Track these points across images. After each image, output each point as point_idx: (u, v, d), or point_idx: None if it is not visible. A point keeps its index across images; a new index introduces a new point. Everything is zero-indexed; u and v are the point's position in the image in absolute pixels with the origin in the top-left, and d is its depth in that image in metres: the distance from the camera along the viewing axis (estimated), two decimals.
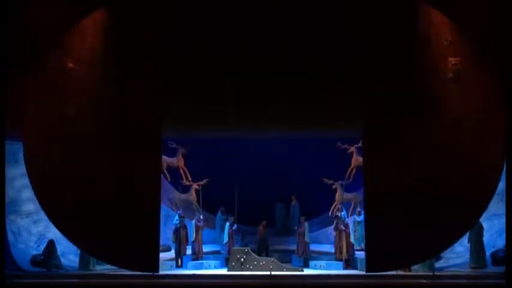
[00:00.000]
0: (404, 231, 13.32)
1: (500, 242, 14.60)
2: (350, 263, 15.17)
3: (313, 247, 16.42)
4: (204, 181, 17.57)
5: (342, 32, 14.09)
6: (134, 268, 13.61)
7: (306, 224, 15.84)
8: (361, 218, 17.07)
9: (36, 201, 14.06)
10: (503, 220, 12.95)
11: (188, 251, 15.81)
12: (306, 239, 15.55)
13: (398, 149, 13.72)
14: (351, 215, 17.47)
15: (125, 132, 13.84)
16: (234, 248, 15.53)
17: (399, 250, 13.32)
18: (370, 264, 13.62)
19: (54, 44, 13.84)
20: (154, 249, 13.69)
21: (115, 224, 13.47)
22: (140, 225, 13.51)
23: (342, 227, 15.38)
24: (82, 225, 13.57)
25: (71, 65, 13.85)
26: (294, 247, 15.95)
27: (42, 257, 14.71)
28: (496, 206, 14.66)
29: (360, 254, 15.89)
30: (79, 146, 13.70)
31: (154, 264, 13.61)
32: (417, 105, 13.77)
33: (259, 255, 15.43)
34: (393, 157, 13.68)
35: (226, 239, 15.98)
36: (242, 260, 14.73)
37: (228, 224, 16.09)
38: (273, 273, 13.98)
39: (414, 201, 13.41)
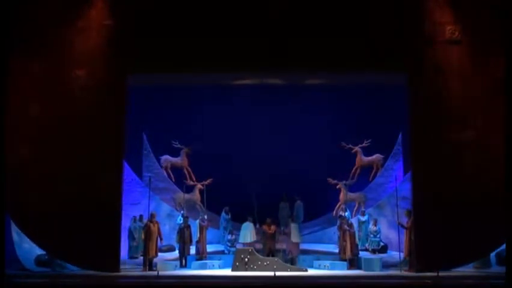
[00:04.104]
0: (452, 233, 13.35)
1: None
2: (354, 263, 15.11)
3: (317, 247, 16.41)
4: (208, 181, 17.61)
5: None
6: (95, 268, 13.64)
7: (293, 225, 15.81)
8: (365, 218, 17.06)
9: None
10: None
11: (192, 251, 15.80)
12: (293, 239, 15.51)
13: (446, 150, 13.76)
14: (355, 215, 17.46)
15: (87, 133, 13.85)
16: (239, 248, 15.52)
17: (448, 251, 13.36)
18: (419, 265, 13.64)
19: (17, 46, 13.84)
20: (115, 250, 13.74)
21: (77, 224, 13.46)
22: (101, 226, 13.54)
23: (346, 227, 15.33)
24: (44, 226, 13.61)
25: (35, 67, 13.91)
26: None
27: (46, 257, 14.72)
28: None
29: (364, 254, 15.88)
30: (42, 146, 13.74)
31: (115, 265, 13.67)
32: (465, 105, 13.78)
33: (267, 255, 15.35)
34: (442, 156, 13.75)
35: (250, 239, 15.98)
36: (246, 259, 14.70)
37: (248, 223, 16.05)
38: (277, 273, 13.94)
39: (463, 203, 13.37)
